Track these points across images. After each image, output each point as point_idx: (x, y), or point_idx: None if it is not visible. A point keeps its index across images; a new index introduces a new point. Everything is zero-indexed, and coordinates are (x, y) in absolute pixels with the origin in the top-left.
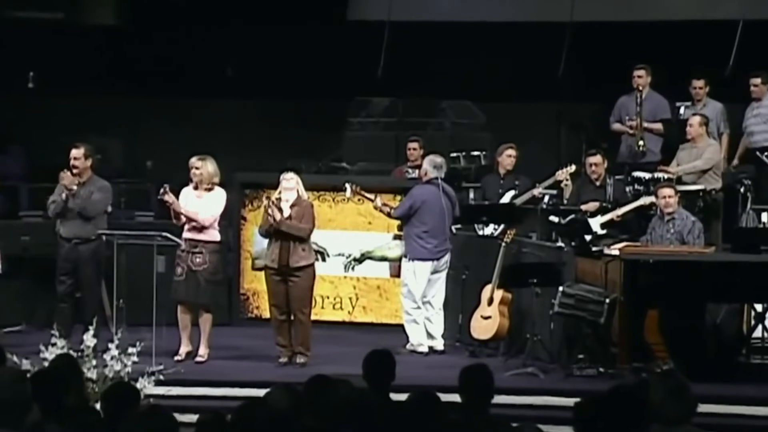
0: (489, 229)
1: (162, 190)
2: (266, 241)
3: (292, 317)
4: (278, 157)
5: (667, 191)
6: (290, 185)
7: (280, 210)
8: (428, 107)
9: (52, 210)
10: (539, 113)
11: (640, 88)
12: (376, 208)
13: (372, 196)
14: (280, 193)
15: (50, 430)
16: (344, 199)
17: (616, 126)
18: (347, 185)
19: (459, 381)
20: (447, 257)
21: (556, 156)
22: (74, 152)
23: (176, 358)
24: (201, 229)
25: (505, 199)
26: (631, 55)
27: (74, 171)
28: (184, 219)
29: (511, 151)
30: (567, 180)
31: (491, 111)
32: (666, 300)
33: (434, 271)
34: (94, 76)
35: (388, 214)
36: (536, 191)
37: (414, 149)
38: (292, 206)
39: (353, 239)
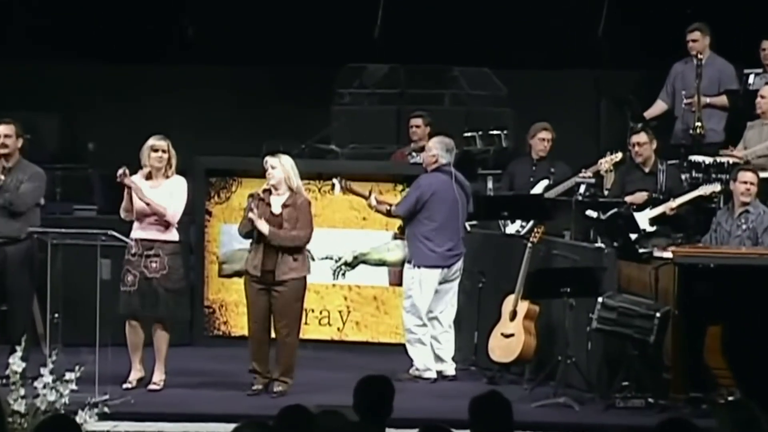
0: (515, 226)
1: (121, 172)
2: (237, 240)
3: (275, 336)
4: (251, 137)
5: (750, 176)
6: (275, 175)
7: (267, 205)
8: (436, 75)
9: None
10: (573, 83)
11: (698, 54)
12: (371, 207)
13: (365, 193)
14: (266, 191)
15: None
16: (333, 189)
17: (654, 110)
18: (335, 181)
19: (469, 414)
20: (460, 263)
21: (594, 136)
22: (1, 129)
23: (125, 385)
24: (158, 226)
25: (537, 190)
26: (687, 11)
27: (1, 152)
28: (136, 212)
29: (545, 134)
30: (609, 168)
31: (514, 80)
32: (731, 314)
33: (444, 281)
34: (20, 37)
35: (388, 213)
36: (576, 179)
37: (417, 127)
38: (284, 206)
39: (344, 239)
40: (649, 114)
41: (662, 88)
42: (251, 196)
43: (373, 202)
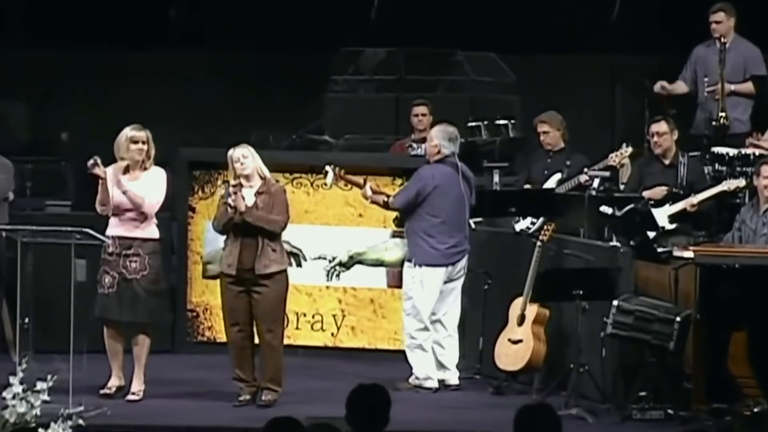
0: (524, 224)
1: (92, 162)
2: (223, 239)
3: (258, 341)
4: (237, 127)
5: None
6: (248, 165)
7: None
8: (438, 60)
9: None
10: (586, 69)
11: (722, 37)
12: (366, 197)
13: (360, 182)
14: (237, 178)
15: None
16: (327, 184)
17: (677, 87)
18: (328, 169)
19: (515, 426)
20: (464, 261)
21: (608, 126)
22: None
23: (103, 390)
24: (137, 222)
25: (550, 184)
26: None
27: None
28: (113, 206)
29: (543, 126)
30: (624, 161)
31: (522, 66)
32: (757, 318)
33: (447, 280)
34: None
35: (385, 204)
36: (583, 177)
37: (423, 115)
38: (258, 194)
39: (338, 237)
40: (671, 88)
41: (681, 71)
42: (226, 182)
43: (368, 192)
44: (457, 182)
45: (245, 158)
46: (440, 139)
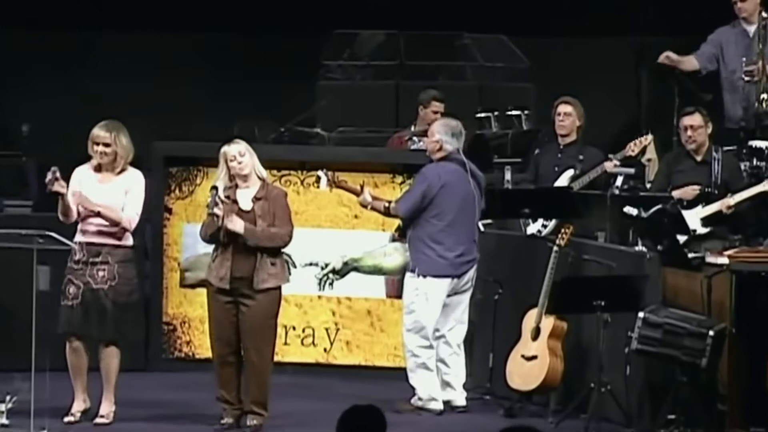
0: (536, 226)
1: (50, 175)
2: (202, 242)
3: (244, 358)
4: (219, 118)
5: None
6: (246, 164)
7: (233, 201)
8: (443, 44)
9: None
10: (609, 53)
11: (750, 17)
12: (364, 205)
13: (357, 187)
14: (232, 179)
15: None
16: (318, 183)
17: (686, 63)
18: (320, 174)
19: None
20: (472, 272)
21: (633, 117)
22: None
23: (66, 419)
24: (108, 227)
25: (562, 181)
26: None
27: None
28: (80, 210)
29: (565, 107)
30: (647, 153)
31: (536, 49)
32: None
33: (453, 292)
34: None
35: (386, 211)
36: (609, 164)
37: (439, 112)
38: (256, 199)
39: (332, 241)
40: (678, 60)
41: (699, 47)
42: (214, 188)
43: (368, 199)
44: (465, 181)
45: (242, 156)
46: (442, 134)
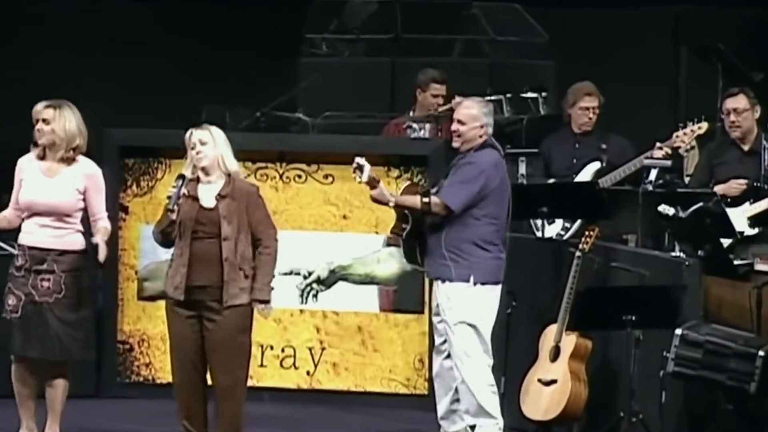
0: (555, 228)
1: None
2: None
3: (212, 383)
4: (184, 102)
5: None
6: (206, 154)
7: (194, 199)
8: (447, 14)
9: None
10: (642, 27)
11: None
12: (383, 201)
13: (389, 197)
14: (194, 170)
15: None
16: (302, 176)
17: None
18: (362, 162)
19: None
20: None
21: (670, 100)
22: None
23: None
24: (56, 229)
25: (585, 176)
26: None
27: None
28: (23, 204)
29: (590, 101)
30: (691, 143)
31: (556, 21)
32: None
33: None
34: None
35: (426, 208)
36: (659, 153)
37: (440, 96)
38: (220, 197)
39: (316, 245)
40: None
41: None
42: (181, 177)
43: (400, 200)
44: (506, 173)
45: (203, 145)
46: (488, 117)
